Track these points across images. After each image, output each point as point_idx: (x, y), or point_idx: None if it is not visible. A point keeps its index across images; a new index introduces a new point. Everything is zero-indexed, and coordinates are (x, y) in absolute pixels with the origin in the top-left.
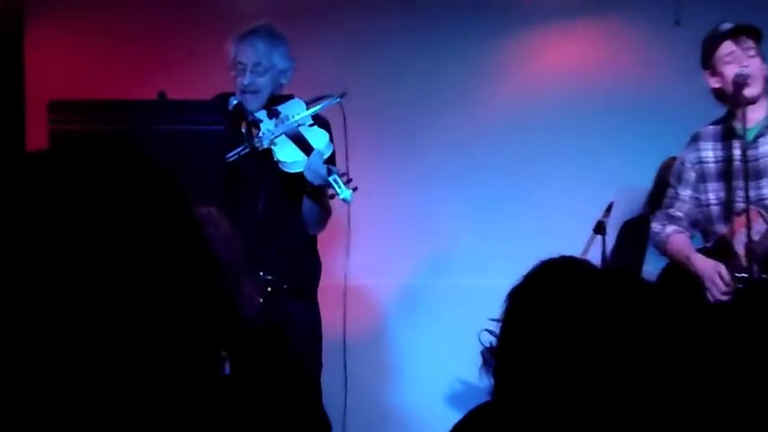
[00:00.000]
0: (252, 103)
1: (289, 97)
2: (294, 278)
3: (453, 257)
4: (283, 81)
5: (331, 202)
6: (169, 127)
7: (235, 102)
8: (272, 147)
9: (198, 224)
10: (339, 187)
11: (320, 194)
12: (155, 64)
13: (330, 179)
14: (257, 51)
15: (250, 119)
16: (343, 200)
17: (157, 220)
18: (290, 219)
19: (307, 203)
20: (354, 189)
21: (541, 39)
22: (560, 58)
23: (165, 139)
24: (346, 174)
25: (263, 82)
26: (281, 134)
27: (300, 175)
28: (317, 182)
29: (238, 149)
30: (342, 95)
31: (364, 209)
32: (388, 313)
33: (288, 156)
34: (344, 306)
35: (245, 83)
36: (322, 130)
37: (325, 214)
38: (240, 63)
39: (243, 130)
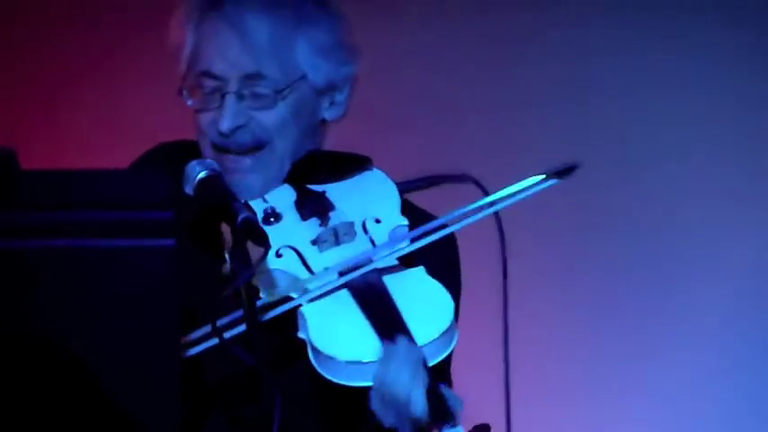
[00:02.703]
0: (245, 178)
1: (357, 165)
2: None
3: None
4: (328, 116)
5: None
6: (24, 243)
7: (203, 172)
8: (300, 309)
9: None
10: None
11: None
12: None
13: None
14: (250, 41)
15: (242, 221)
16: None
17: None
18: None
19: None
20: None
21: None
22: None
23: (20, 274)
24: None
25: (271, 121)
26: (339, 287)
27: (360, 393)
28: (396, 425)
29: (223, 321)
30: (565, 172)
31: None
32: None
33: (336, 340)
34: None
35: (224, 127)
36: (435, 282)
37: None
38: (208, 75)
39: (226, 257)
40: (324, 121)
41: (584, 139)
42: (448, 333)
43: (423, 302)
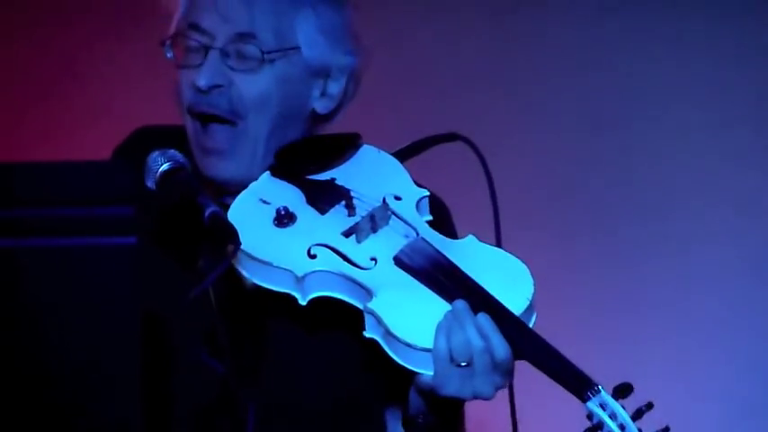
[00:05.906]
0: (221, 161)
1: (349, 144)
2: None
3: None
4: (319, 108)
5: None
6: None
7: (166, 165)
8: (367, 307)
9: None
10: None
11: None
12: None
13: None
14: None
15: (209, 215)
16: None
17: None
18: None
19: None
20: None
21: None
22: None
23: None
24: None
25: (252, 91)
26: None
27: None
28: (468, 388)
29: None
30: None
31: None
32: None
33: (415, 326)
34: None
35: (201, 82)
36: (497, 249)
37: None
38: (196, 29)
39: (200, 259)
40: (315, 116)
41: (585, 136)
42: (533, 301)
43: (498, 270)
